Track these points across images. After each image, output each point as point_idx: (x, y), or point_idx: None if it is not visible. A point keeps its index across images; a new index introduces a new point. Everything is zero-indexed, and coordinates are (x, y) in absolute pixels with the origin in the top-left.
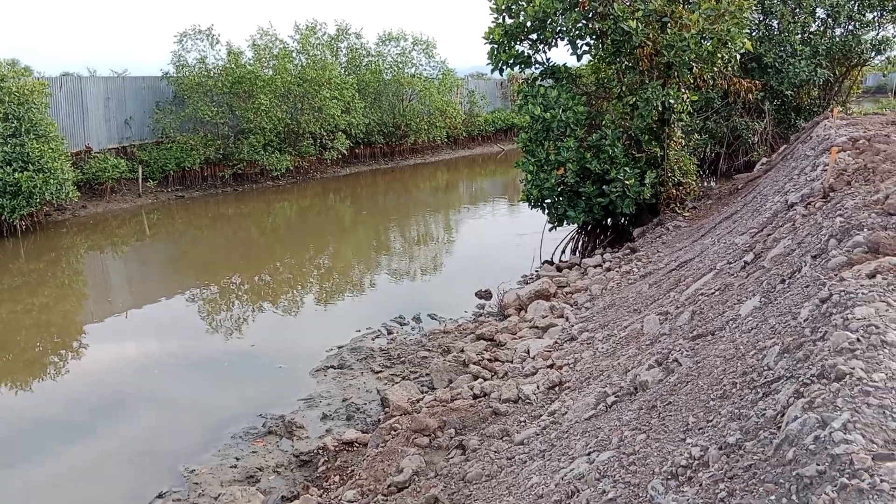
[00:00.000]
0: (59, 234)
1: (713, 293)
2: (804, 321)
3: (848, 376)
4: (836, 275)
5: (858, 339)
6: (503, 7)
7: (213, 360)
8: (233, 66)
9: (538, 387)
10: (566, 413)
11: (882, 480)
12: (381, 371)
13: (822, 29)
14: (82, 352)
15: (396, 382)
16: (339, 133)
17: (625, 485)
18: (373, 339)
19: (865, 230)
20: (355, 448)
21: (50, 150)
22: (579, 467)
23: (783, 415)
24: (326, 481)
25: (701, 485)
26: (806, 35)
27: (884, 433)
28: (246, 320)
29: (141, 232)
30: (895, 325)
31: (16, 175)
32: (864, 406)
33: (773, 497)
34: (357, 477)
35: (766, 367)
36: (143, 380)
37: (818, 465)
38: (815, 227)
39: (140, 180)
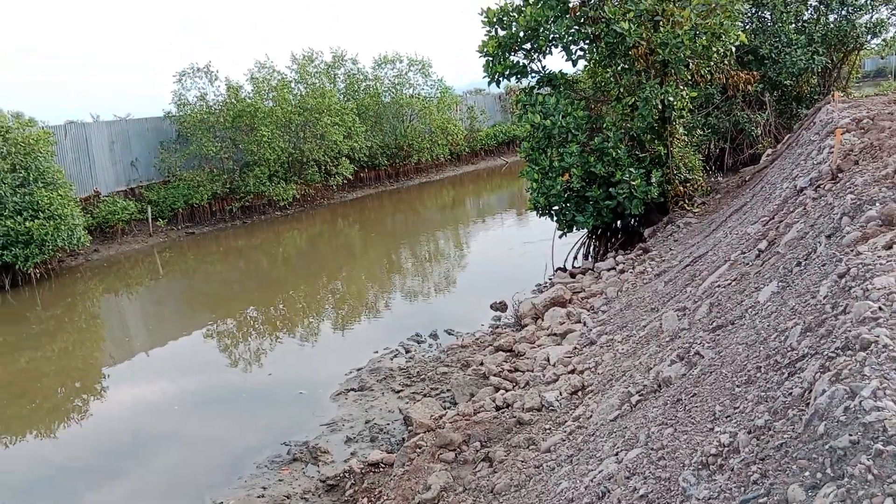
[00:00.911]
0: (74, 279)
1: (730, 284)
2: (824, 298)
3: (873, 345)
4: (851, 250)
5: (881, 308)
6: (495, 19)
7: (234, 392)
8: (233, 100)
9: (561, 393)
10: (591, 416)
11: None
12: (401, 390)
13: (815, 16)
14: (104, 395)
15: (418, 400)
16: (343, 158)
17: (655, 480)
18: (391, 359)
19: (878, 204)
20: (381, 469)
21: (59, 197)
22: (608, 468)
23: (810, 391)
24: None
25: (733, 470)
26: (800, 23)
27: None
28: (264, 350)
29: (154, 271)
30: None
31: (27, 224)
32: (893, 372)
33: (807, 473)
34: (385, 497)
35: (789, 348)
36: (166, 417)
37: (851, 435)
38: (826, 208)
39: (150, 220)
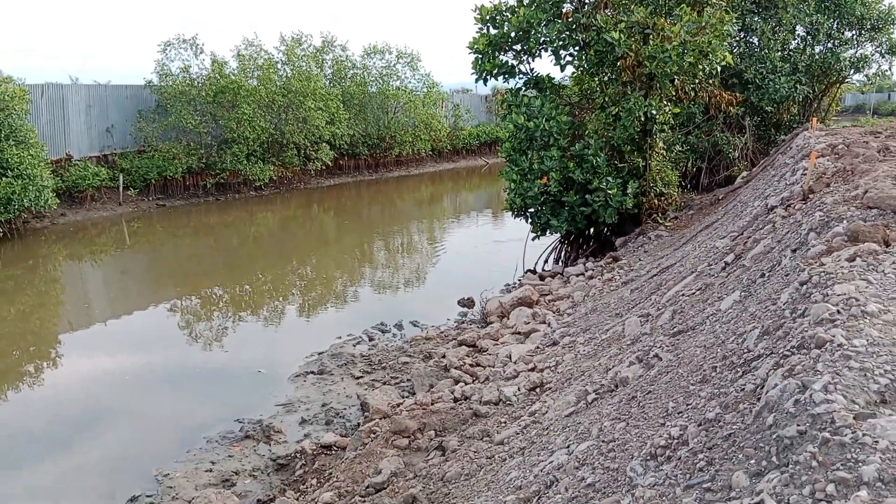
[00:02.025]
0: (38, 241)
1: (694, 293)
2: (784, 304)
3: (828, 343)
4: (815, 261)
5: (839, 311)
6: (487, 18)
7: (191, 367)
8: (216, 75)
9: (519, 389)
10: (547, 412)
11: (864, 434)
12: (361, 376)
13: (801, 46)
14: (58, 361)
15: (377, 387)
16: (324, 144)
17: (604, 470)
18: (354, 346)
19: (845, 221)
20: (334, 451)
21: (29, 157)
22: (558, 459)
23: (762, 387)
24: (303, 484)
25: (680, 459)
26: (786, 52)
27: (865, 394)
28: (225, 328)
29: (121, 240)
30: (876, 298)
31: None
32: (846, 369)
33: (752, 461)
34: (335, 479)
35: (745, 350)
36: (119, 388)
37: (798, 425)
38: (794, 225)
39: (121, 189)
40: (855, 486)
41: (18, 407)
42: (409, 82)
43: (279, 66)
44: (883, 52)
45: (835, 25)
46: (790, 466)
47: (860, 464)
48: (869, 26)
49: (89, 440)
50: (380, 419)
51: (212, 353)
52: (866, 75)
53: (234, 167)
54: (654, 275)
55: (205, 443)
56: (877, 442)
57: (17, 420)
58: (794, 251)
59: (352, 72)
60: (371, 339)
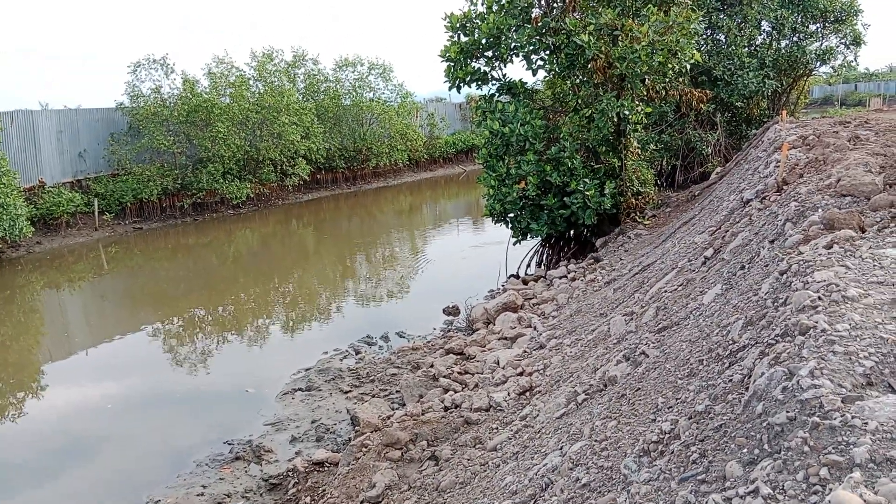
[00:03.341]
0: (14, 271)
1: (676, 289)
2: (765, 294)
3: (811, 329)
4: (793, 250)
5: (820, 297)
6: (458, 26)
7: (177, 391)
8: (188, 94)
9: (509, 394)
10: (538, 416)
11: (854, 417)
12: (350, 391)
13: (767, 41)
14: (41, 391)
15: (366, 401)
16: (300, 159)
17: (598, 469)
18: (341, 360)
19: (820, 210)
20: (326, 468)
21: (2, 186)
22: (552, 461)
23: (750, 377)
24: (297, 503)
25: (673, 453)
26: (753, 47)
27: (851, 378)
28: (210, 349)
29: (98, 266)
30: (856, 283)
31: None
32: (830, 354)
33: (745, 450)
34: (329, 496)
35: (730, 342)
36: (103, 416)
37: (788, 412)
38: (770, 217)
39: (96, 214)
40: (847, 469)
41: (4, 439)
42: (383, 93)
43: (251, 82)
44: (847, 43)
45: (799, 19)
46: (782, 453)
47: (851, 446)
48: (832, 18)
49: (76, 470)
50: (371, 432)
51: (197, 375)
52: (832, 67)
53: (210, 186)
54: (636, 273)
55: (195, 466)
56: (866, 424)
57: (3, 451)
58: (771, 242)
59: (324, 85)
60: (358, 353)
